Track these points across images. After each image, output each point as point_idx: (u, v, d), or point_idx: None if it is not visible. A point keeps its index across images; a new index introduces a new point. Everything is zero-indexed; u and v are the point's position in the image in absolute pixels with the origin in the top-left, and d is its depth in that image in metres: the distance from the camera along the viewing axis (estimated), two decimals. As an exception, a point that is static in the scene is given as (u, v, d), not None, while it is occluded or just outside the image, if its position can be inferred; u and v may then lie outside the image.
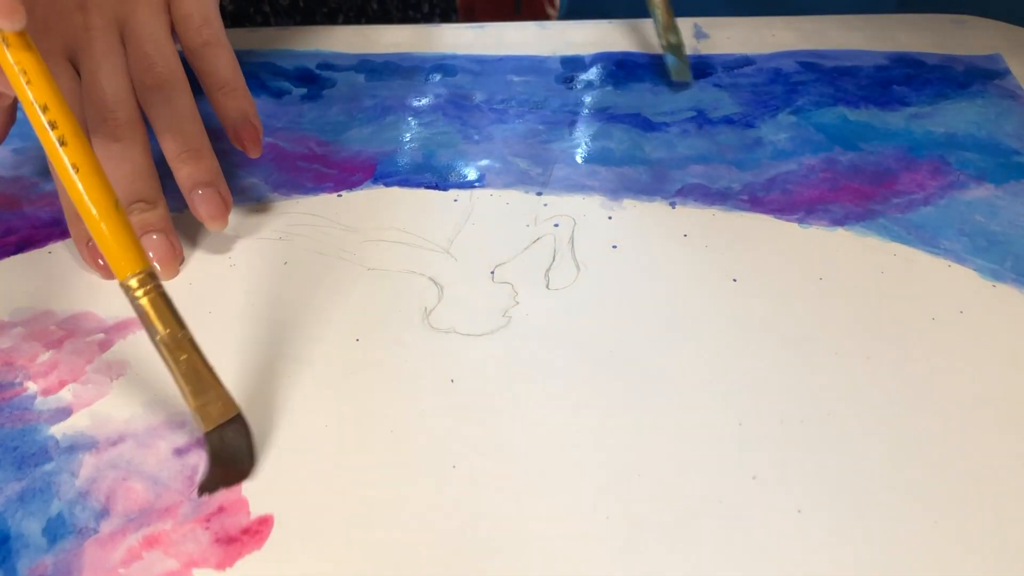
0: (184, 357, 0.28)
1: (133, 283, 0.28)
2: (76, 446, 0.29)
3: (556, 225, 0.38)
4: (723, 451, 0.29)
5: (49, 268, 0.36)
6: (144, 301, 0.28)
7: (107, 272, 0.35)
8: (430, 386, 0.31)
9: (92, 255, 0.35)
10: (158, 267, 0.35)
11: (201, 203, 0.36)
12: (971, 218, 0.38)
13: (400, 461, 0.29)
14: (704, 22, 0.53)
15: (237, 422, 0.29)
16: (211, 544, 0.26)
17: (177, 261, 0.36)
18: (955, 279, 0.35)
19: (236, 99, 0.38)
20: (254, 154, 0.38)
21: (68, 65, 0.36)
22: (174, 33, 0.39)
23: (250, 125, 0.38)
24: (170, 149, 0.36)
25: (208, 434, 0.28)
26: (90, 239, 0.35)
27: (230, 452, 0.28)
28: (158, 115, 0.36)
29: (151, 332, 0.28)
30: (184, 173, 0.36)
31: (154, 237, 0.36)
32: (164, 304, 0.28)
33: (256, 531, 0.27)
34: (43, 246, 0.37)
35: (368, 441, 0.29)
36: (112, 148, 0.35)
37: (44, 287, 0.35)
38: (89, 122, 0.36)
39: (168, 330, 0.28)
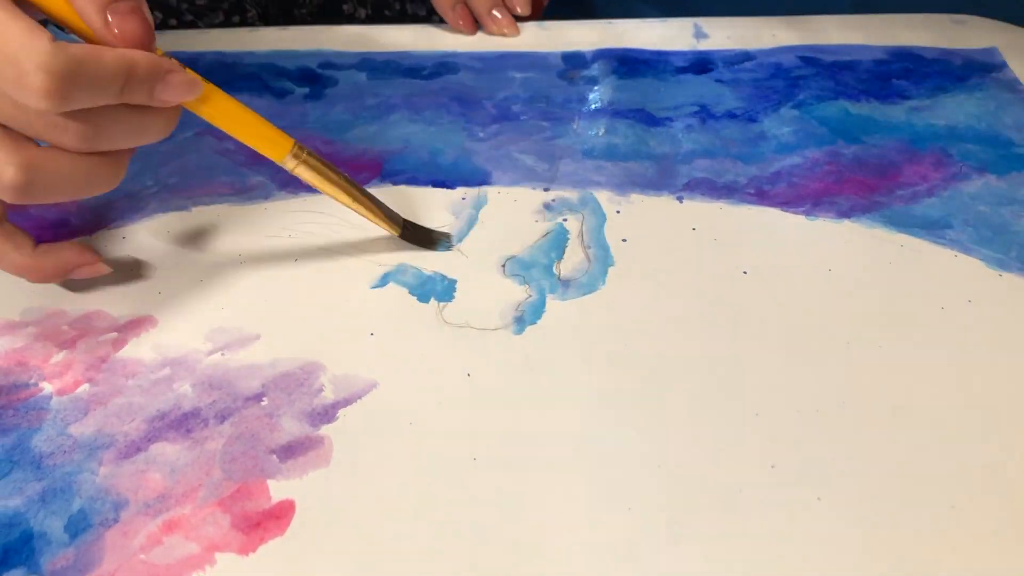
0: (361, 196, 0.35)
1: (290, 162, 0.33)
2: (95, 444, 0.29)
3: (564, 220, 0.38)
4: (741, 441, 0.29)
5: (58, 268, 0.36)
6: (302, 170, 0.33)
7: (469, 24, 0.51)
8: (447, 380, 0.31)
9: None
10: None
11: None
12: (975, 209, 0.38)
13: (420, 453, 0.29)
14: (704, 22, 0.53)
15: (408, 225, 0.37)
16: (231, 528, 0.26)
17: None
18: (962, 269, 0.36)
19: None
20: None
21: None
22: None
23: None
24: None
25: (402, 236, 0.37)
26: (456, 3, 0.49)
27: (422, 235, 0.37)
28: None
29: (326, 190, 0.34)
30: None
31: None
32: (324, 165, 0.34)
33: (278, 516, 0.27)
34: (51, 246, 0.37)
35: (387, 433, 0.29)
36: None
37: (54, 286, 0.35)
38: None
39: (341, 179, 0.34)
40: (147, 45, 0.28)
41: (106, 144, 0.29)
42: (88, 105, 0.27)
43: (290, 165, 0.33)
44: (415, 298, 0.35)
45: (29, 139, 0.28)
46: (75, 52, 0.26)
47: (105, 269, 0.35)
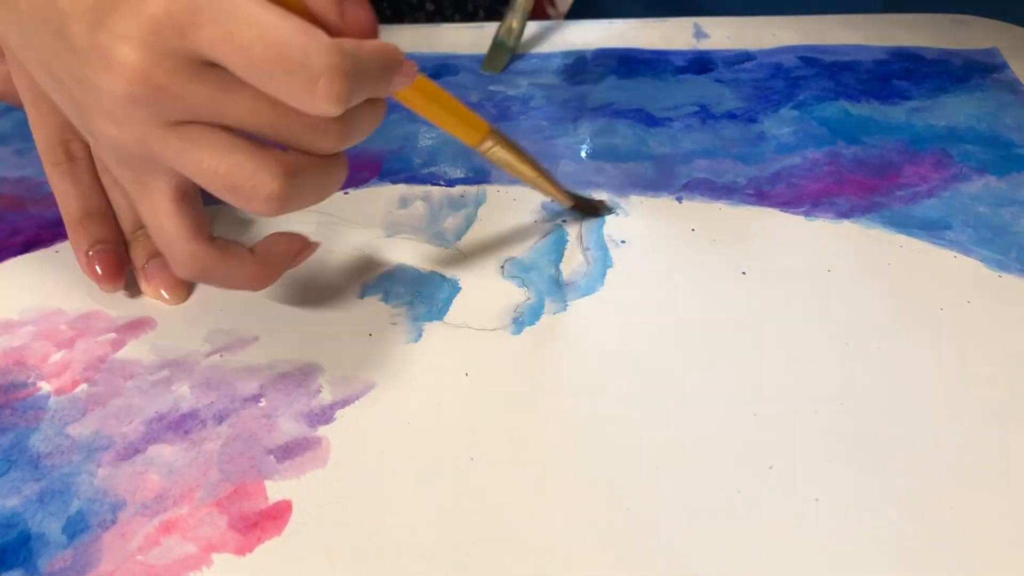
0: (550, 179, 0.36)
1: (489, 144, 0.33)
2: (93, 445, 0.29)
3: (564, 220, 0.38)
4: (739, 442, 0.29)
5: (57, 267, 0.36)
6: (496, 151, 0.34)
7: (107, 281, 0.34)
8: (445, 380, 0.31)
9: (90, 264, 0.34)
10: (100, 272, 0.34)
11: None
12: (975, 210, 0.38)
13: (418, 453, 0.29)
14: (704, 22, 0.53)
15: (576, 198, 0.38)
16: (228, 528, 0.26)
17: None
18: (961, 270, 0.36)
19: None
20: None
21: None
22: None
23: None
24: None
25: (574, 207, 0.38)
26: (90, 248, 0.33)
27: (590, 205, 0.39)
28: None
29: (515, 170, 0.35)
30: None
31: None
32: (515, 147, 0.34)
33: (275, 517, 0.27)
34: (50, 246, 0.37)
35: (385, 434, 0.29)
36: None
37: (52, 286, 0.35)
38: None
39: (534, 170, 0.35)
40: (376, 35, 0.26)
41: (353, 140, 0.27)
42: (358, 102, 0.25)
43: (485, 147, 0.33)
44: (414, 298, 0.35)
45: (276, 147, 0.26)
46: (349, 49, 0.24)
47: (318, 243, 0.33)
